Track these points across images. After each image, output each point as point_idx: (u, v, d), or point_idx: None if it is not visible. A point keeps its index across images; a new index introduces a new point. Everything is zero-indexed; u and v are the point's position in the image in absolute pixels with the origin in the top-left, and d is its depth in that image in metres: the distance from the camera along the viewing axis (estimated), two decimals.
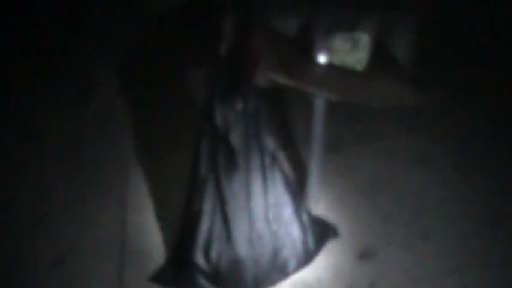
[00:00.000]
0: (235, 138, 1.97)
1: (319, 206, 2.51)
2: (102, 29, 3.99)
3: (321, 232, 2.32)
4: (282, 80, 1.96)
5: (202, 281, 2.11)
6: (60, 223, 2.53)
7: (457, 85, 3.30)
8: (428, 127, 3.11)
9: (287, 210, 2.12)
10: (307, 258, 2.22)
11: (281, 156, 2.09)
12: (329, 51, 2.14)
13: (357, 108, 3.17)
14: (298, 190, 2.27)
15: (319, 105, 2.21)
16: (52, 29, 3.96)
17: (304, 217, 2.21)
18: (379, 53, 2.10)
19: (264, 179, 2.03)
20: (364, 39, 2.17)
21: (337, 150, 2.90)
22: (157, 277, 2.21)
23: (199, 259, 2.08)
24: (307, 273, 2.22)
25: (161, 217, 2.51)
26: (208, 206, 2.03)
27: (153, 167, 2.81)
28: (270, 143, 2.01)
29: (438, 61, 3.31)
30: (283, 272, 2.17)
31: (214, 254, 2.06)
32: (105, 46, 3.87)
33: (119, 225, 2.50)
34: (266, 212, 2.07)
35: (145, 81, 3.55)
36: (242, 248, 2.06)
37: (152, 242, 2.39)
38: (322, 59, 2.12)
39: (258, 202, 2.04)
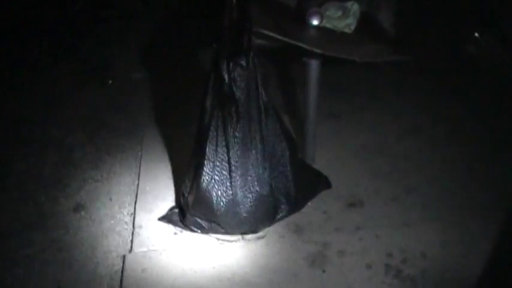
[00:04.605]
0: (239, 91, 2.20)
1: (315, 164, 2.73)
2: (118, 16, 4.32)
3: (314, 181, 2.56)
4: (277, 37, 2.20)
5: (204, 221, 2.35)
6: (79, 178, 2.82)
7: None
8: (422, 101, 3.34)
9: (283, 159, 2.35)
10: (299, 204, 2.46)
11: (274, 109, 2.29)
12: (323, 17, 2.39)
13: (357, 83, 3.46)
14: (296, 144, 2.49)
15: (315, 66, 2.44)
16: (75, 15, 4.29)
17: (299, 166, 2.44)
18: (366, 17, 2.34)
19: (261, 128, 2.26)
20: (355, 8, 2.42)
21: (336, 117, 3.17)
22: (166, 218, 2.46)
23: (201, 201, 2.31)
24: (299, 216, 2.45)
25: (172, 167, 2.78)
26: (211, 152, 2.26)
27: (165, 127, 3.11)
28: (264, 95, 2.24)
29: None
30: (276, 215, 2.40)
31: (214, 196, 2.29)
32: (122, 28, 4.18)
33: (133, 177, 2.76)
34: (263, 159, 2.29)
35: (159, 54, 3.84)
36: (240, 191, 2.29)
37: (163, 188, 2.65)
38: (315, 23, 2.37)
39: (256, 150, 2.27)
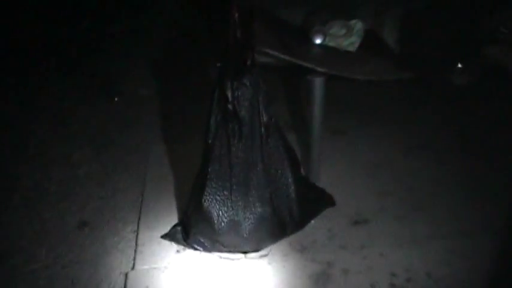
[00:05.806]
0: (243, 110, 2.19)
1: (320, 181, 2.72)
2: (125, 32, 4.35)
3: (318, 199, 2.54)
4: (281, 56, 2.20)
5: (206, 240, 2.34)
6: (84, 195, 2.83)
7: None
8: (427, 117, 3.33)
9: (285, 177, 2.34)
10: (302, 222, 2.44)
11: (276, 127, 2.28)
12: (326, 35, 2.39)
13: (362, 99, 3.45)
14: (298, 162, 2.48)
15: (319, 84, 2.43)
16: (83, 32, 4.33)
17: (302, 184, 2.42)
18: (369, 35, 2.34)
19: (263, 147, 2.24)
20: (358, 26, 2.42)
21: (342, 133, 3.16)
22: (169, 235, 2.45)
23: (203, 219, 2.30)
24: (303, 234, 2.43)
25: (176, 185, 2.78)
26: (213, 171, 2.25)
27: (171, 144, 3.13)
28: (266, 114, 2.23)
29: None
30: (279, 234, 2.38)
31: (215, 215, 2.28)
32: (129, 45, 4.22)
33: (137, 194, 2.76)
34: (265, 179, 2.28)
35: (166, 70, 3.86)
36: (241, 211, 2.28)
37: (167, 206, 2.65)
38: (318, 41, 2.37)
39: (258, 169, 2.26)
